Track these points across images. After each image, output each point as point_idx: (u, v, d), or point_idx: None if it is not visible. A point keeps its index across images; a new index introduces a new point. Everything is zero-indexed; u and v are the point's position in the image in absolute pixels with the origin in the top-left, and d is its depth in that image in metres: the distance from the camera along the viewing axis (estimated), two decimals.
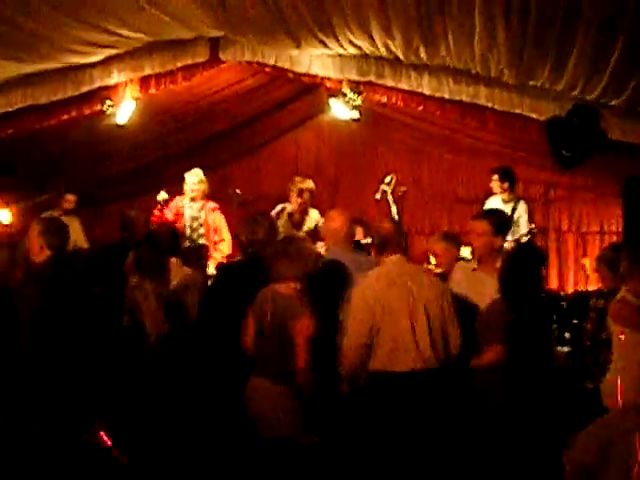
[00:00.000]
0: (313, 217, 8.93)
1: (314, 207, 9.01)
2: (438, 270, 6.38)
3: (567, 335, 6.80)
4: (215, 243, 9.12)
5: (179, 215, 9.07)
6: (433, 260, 6.89)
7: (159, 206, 8.99)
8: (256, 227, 6.19)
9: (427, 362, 5.07)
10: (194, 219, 9.09)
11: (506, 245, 8.83)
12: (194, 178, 9.09)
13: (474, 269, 5.92)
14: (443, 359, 5.14)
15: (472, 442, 5.04)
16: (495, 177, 9.37)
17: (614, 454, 3.93)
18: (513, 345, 5.23)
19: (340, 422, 5.23)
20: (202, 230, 9.08)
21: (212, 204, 9.24)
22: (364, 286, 5.24)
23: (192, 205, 9.13)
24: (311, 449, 4.54)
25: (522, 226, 9.32)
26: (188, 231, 9.04)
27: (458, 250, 6.73)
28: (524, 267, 5.47)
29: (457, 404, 5.15)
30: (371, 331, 5.08)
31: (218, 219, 9.22)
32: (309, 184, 8.85)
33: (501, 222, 6.00)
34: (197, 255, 8.04)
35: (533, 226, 9.16)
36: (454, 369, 5.23)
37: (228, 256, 9.06)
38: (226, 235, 9.22)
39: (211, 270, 8.41)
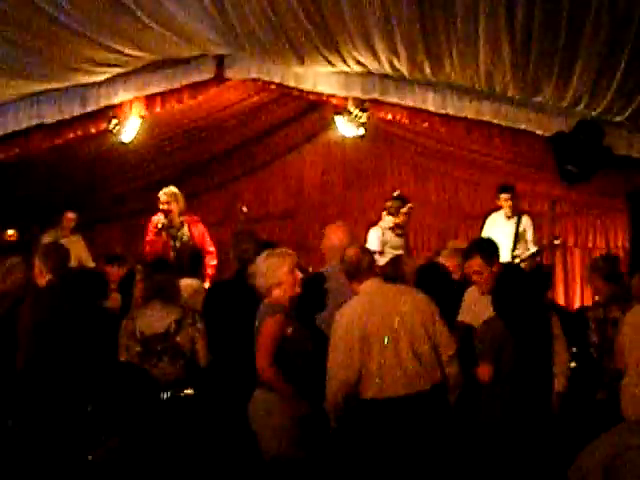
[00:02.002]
0: None
1: None
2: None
3: (574, 349, 6.76)
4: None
5: (156, 242, 8.96)
6: None
7: (156, 229, 8.89)
8: (245, 245, 6.22)
9: (415, 386, 4.94)
10: (176, 239, 8.95)
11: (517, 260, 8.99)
12: (163, 197, 8.96)
13: (482, 293, 5.86)
14: (439, 378, 5.03)
15: (467, 465, 5.00)
16: (506, 196, 9.41)
17: (619, 471, 3.90)
18: (508, 363, 5.20)
19: (332, 448, 5.20)
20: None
21: (194, 217, 9.16)
22: (345, 319, 5.10)
23: (171, 224, 9.01)
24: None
25: (529, 240, 9.39)
26: (172, 253, 8.84)
27: None
28: (514, 285, 5.42)
29: (453, 426, 5.04)
30: (358, 365, 4.96)
31: (201, 231, 9.14)
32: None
33: (491, 251, 5.96)
34: (193, 261, 7.92)
35: (557, 238, 9.43)
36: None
37: (214, 267, 9.01)
38: (210, 247, 9.16)
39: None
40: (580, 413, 5.90)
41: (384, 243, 9.24)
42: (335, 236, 6.07)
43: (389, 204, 9.47)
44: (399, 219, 9.29)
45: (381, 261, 8.43)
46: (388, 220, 9.30)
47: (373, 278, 5.26)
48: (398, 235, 9.32)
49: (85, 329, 5.88)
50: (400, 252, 8.76)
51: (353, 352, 4.96)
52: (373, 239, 9.28)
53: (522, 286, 5.43)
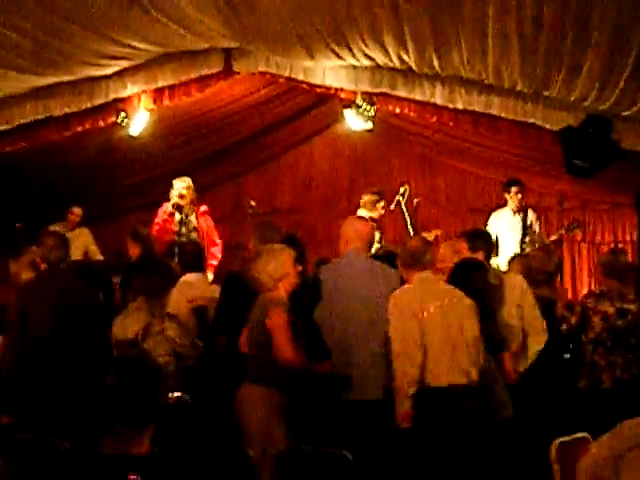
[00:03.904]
0: None
1: None
2: None
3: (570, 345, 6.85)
4: (207, 247, 9.07)
5: (168, 222, 9.02)
6: None
7: (167, 214, 8.98)
8: (269, 236, 6.21)
9: (467, 376, 5.16)
10: (183, 224, 9.01)
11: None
12: (182, 184, 9.06)
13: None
14: (478, 372, 5.23)
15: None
16: (515, 189, 9.44)
17: (629, 465, 3.90)
18: None
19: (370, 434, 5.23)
20: (194, 235, 9.05)
21: (203, 207, 9.22)
22: (403, 305, 5.28)
23: (181, 210, 9.07)
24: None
25: (536, 232, 9.43)
26: (176, 237, 8.91)
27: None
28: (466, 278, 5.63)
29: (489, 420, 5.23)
30: (423, 348, 5.13)
31: (209, 223, 9.20)
32: None
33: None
34: (196, 256, 7.94)
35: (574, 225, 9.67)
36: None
37: (219, 260, 9.06)
38: (217, 239, 9.21)
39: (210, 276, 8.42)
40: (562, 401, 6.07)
41: None
42: (363, 225, 6.05)
43: (366, 198, 9.45)
44: (374, 213, 9.23)
45: None
46: (363, 214, 9.17)
47: (428, 272, 5.45)
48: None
49: (86, 321, 5.95)
50: (376, 246, 8.71)
51: (416, 337, 5.14)
52: None
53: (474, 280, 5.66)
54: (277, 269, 5.27)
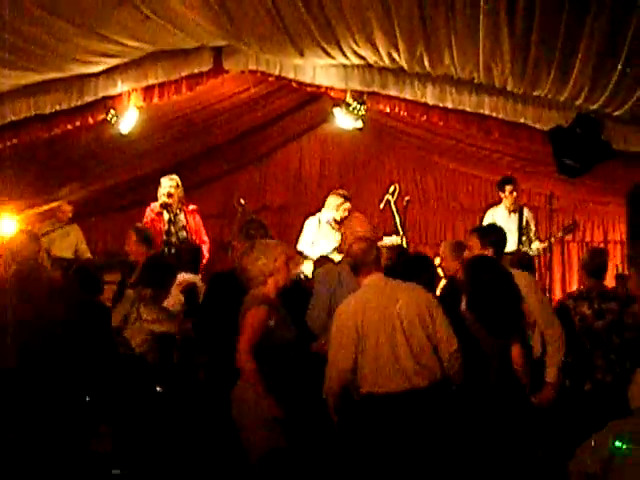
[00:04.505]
0: None
1: None
2: None
3: None
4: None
5: (156, 221, 9.00)
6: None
7: (154, 213, 8.97)
8: (256, 234, 6.21)
9: (411, 381, 4.99)
10: (172, 223, 9.01)
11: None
12: (171, 182, 9.05)
13: None
14: (438, 373, 5.07)
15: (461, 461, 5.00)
16: (510, 187, 9.45)
17: (620, 463, 3.90)
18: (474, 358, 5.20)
19: (328, 439, 5.21)
20: (184, 233, 9.03)
21: (192, 206, 9.22)
22: (343, 311, 5.20)
23: (169, 210, 9.06)
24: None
25: (532, 233, 9.44)
26: (164, 237, 8.98)
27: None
28: (481, 279, 5.36)
29: (448, 423, 5.03)
30: (353, 355, 5.04)
31: (197, 221, 9.20)
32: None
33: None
34: (193, 258, 7.95)
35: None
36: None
37: (206, 259, 9.04)
38: (205, 237, 9.20)
39: None
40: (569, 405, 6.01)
41: (320, 235, 9.05)
42: (357, 227, 6.01)
43: (331, 200, 9.24)
44: (337, 214, 9.16)
45: (312, 253, 8.48)
46: (327, 213, 9.14)
47: (376, 273, 5.31)
48: (334, 229, 9.19)
49: (79, 322, 5.92)
50: (334, 245, 8.73)
51: (348, 344, 5.03)
52: (309, 229, 9.15)
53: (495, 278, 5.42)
54: (268, 264, 5.23)
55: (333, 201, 9.14)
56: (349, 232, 5.93)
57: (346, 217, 9.02)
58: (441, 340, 5.10)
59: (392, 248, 8.16)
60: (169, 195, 8.93)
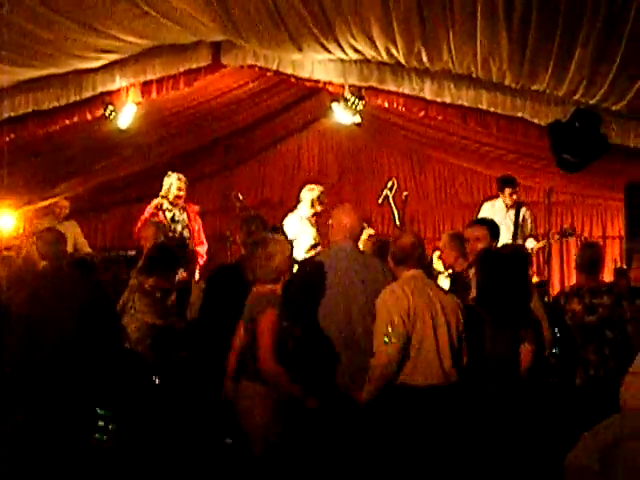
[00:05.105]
0: None
1: None
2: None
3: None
4: (195, 246, 9.08)
5: (157, 216, 9.01)
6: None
7: (154, 209, 9.00)
8: (255, 230, 6.21)
9: (448, 377, 5.10)
10: (176, 222, 9.03)
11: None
12: (180, 183, 9.08)
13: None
14: (461, 374, 5.17)
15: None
16: (510, 190, 9.49)
17: (618, 458, 3.90)
18: (484, 350, 5.32)
19: (353, 431, 5.21)
20: (186, 233, 9.05)
21: (195, 207, 9.25)
22: (394, 298, 5.17)
23: (172, 208, 9.07)
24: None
25: (528, 228, 9.46)
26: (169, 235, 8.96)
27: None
28: (492, 271, 5.48)
29: (473, 420, 5.15)
30: (406, 343, 5.06)
31: (199, 222, 9.23)
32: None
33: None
34: (186, 258, 7.99)
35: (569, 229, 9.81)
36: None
37: (205, 260, 9.08)
38: (204, 239, 9.24)
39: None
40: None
41: (301, 231, 9.00)
42: (349, 217, 6.00)
43: (307, 194, 9.19)
44: (316, 209, 9.09)
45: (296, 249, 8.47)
46: (304, 209, 9.16)
47: (419, 270, 5.37)
48: (312, 225, 9.13)
49: (83, 315, 5.94)
50: (314, 241, 8.82)
51: (404, 328, 5.04)
52: (292, 226, 9.04)
53: (504, 270, 5.48)
54: (284, 262, 5.28)
55: (308, 195, 9.09)
56: (336, 222, 5.91)
57: (324, 210, 8.98)
58: (463, 343, 5.25)
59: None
60: (178, 196, 9.03)
